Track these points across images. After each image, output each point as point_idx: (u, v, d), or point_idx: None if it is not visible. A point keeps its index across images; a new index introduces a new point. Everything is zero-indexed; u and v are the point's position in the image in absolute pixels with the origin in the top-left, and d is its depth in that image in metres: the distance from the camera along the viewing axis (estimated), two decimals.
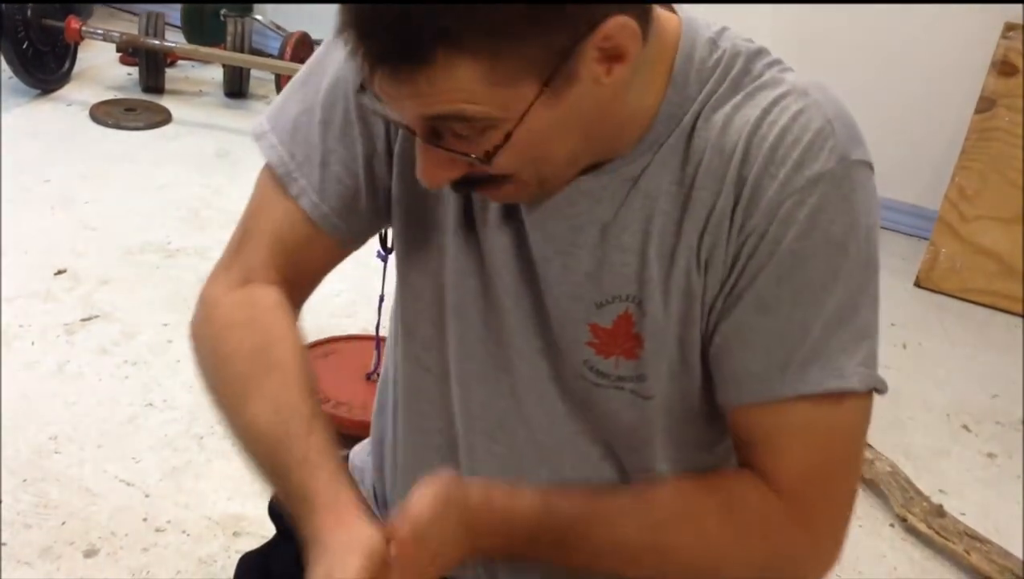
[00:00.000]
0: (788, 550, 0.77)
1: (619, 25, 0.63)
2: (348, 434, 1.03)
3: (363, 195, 0.83)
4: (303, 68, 0.85)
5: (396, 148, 0.81)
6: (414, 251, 0.84)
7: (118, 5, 4.23)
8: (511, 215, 0.78)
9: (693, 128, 0.73)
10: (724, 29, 0.76)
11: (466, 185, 0.72)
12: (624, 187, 0.75)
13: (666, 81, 0.73)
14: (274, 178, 0.83)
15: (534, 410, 0.82)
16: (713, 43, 0.75)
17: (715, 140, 0.72)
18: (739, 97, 0.73)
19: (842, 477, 0.78)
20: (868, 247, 0.73)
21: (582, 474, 0.83)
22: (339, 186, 0.82)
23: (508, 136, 0.65)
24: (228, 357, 0.80)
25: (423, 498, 0.70)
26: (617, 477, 0.83)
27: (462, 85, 0.62)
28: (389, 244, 1.47)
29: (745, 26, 0.79)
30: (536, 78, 0.63)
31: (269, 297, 0.82)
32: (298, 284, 0.85)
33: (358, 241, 0.87)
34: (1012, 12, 2.92)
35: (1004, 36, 2.85)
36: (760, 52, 0.75)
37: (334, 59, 0.81)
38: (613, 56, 0.65)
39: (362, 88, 0.67)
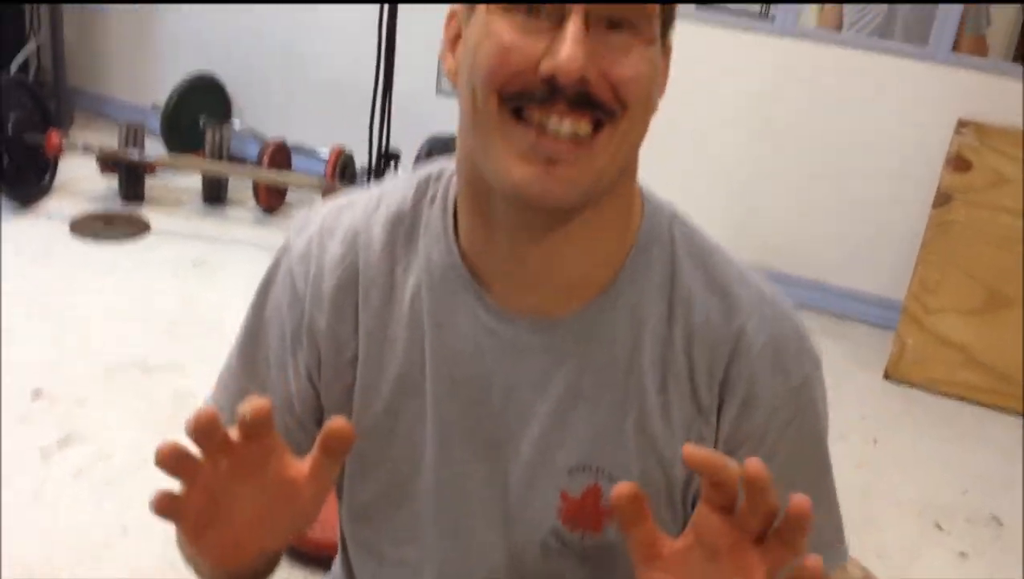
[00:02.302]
0: None
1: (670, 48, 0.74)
2: None
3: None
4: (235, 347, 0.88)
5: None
6: (363, 420, 0.84)
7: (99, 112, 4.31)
8: (465, 386, 0.79)
9: (670, 316, 0.77)
10: (676, 211, 0.82)
11: (584, 104, 0.67)
12: (595, 356, 0.77)
13: (629, 245, 0.78)
14: None
15: None
16: (673, 217, 0.80)
17: (700, 339, 0.77)
18: (716, 297, 0.77)
19: None
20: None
21: None
22: (310, 403, 0.84)
23: (650, 45, 0.69)
24: None
25: None
26: None
27: None
28: None
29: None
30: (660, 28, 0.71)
31: None
32: None
33: None
34: (965, 109, 3.02)
35: (957, 132, 2.93)
36: (712, 243, 0.81)
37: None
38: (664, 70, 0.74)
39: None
